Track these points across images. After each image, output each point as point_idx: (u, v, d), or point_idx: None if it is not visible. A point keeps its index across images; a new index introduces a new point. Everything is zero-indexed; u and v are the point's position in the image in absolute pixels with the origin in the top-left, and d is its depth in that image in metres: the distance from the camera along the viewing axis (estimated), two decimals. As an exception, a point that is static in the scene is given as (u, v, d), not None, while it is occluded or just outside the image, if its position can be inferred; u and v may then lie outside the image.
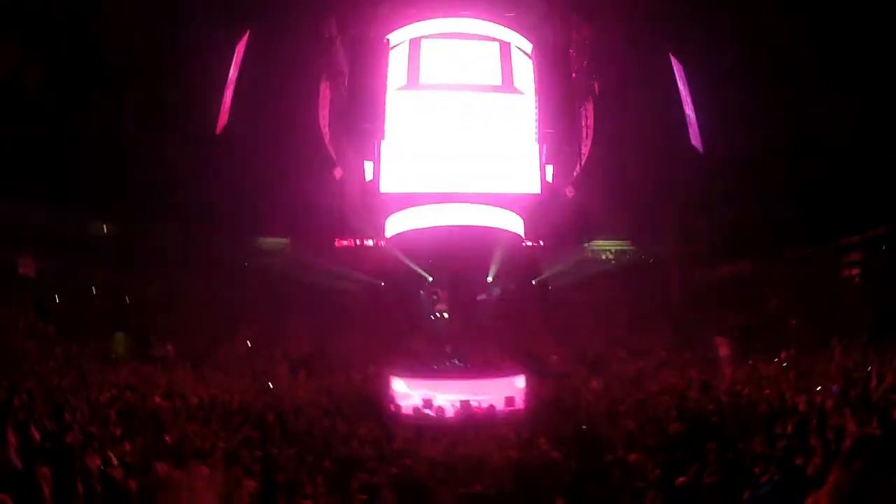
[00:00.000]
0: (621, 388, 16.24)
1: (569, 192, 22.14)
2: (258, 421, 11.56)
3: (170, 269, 21.23)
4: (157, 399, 11.17)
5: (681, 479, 6.45)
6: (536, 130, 20.90)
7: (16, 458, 5.64)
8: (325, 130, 23.11)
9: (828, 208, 19.10)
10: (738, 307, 21.25)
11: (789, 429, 7.68)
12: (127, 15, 18.58)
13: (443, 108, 21.07)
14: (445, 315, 24.75)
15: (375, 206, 22.00)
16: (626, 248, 27.39)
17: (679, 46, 22.04)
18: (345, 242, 26.34)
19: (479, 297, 25.66)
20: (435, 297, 25.33)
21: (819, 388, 10.52)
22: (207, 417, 11.17)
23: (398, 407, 16.19)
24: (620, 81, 22.01)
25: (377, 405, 15.89)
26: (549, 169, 21.59)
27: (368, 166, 20.99)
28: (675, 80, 22.41)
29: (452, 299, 24.54)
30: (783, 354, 16.48)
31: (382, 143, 20.52)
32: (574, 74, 22.04)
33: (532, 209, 22.04)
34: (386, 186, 20.78)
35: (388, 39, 21.01)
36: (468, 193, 20.94)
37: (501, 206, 21.51)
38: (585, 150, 22.94)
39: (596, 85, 22.63)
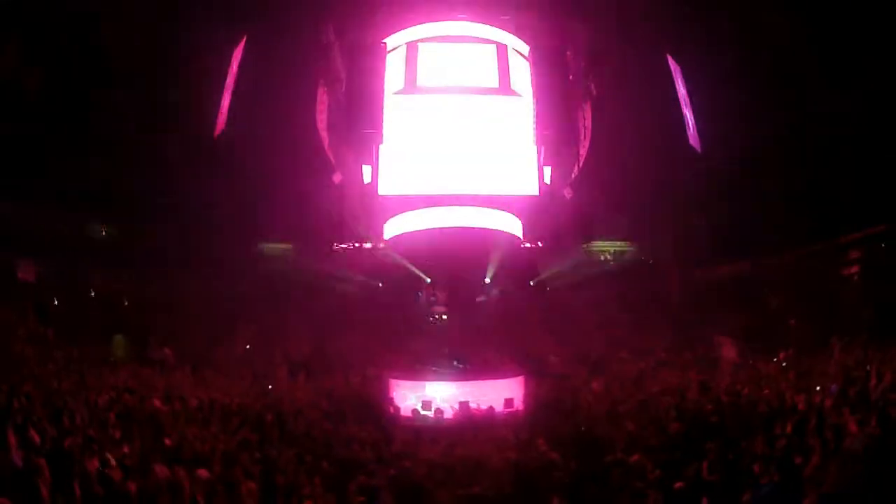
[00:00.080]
0: (622, 389, 16.20)
1: (567, 193, 22.09)
2: (257, 423, 11.55)
3: (169, 271, 21.20)
4: (157, 402, 11.13)
5: (680, 483, 6.45)
6: (534, 132, 20.92)
7: (15, 460, 5.63)
8: (324, 135, 23.09)
9: (828, 208, 19.10)
10: (738, 307, 21.24)
11: (789, 429, 7.69)
12: (127, 16, 18.59)
13: (440, 111, 21.10)
14: (444, 317, 24.72)
15: (374, 209, 22.00)
16: (624, 248, 27.34)
17: (678, 47, 22.03)
18: (343, 246, 26.30)
19: (477, 299, 25.62)
20: (434, 298, 25.31)
21: (818, 387, 10.52)
22: (207, 420, 11.14)
23: (397, 409, 16.16)
24: (618, 82, 21.98)
25: (376, 407, 15.84)
26: (548, 170, 21.59)
27: (367, 170, 20.99)
28: (674, 80, 22.42)
29: (451, 301, 24.52)
30: (782, 354, 16.48)
31: (381, 146, 20.51)
32: (571, 76, 22.02)
33: (530, 210, 22.07)
34: (384, 189, 20.79)
35: (385, 43, 21.03)
36: (466, 195, 20.99)
37: (500, 208, 21.55)
38: (583, 151, 22.86)
39: (593, 86, 22.58)
